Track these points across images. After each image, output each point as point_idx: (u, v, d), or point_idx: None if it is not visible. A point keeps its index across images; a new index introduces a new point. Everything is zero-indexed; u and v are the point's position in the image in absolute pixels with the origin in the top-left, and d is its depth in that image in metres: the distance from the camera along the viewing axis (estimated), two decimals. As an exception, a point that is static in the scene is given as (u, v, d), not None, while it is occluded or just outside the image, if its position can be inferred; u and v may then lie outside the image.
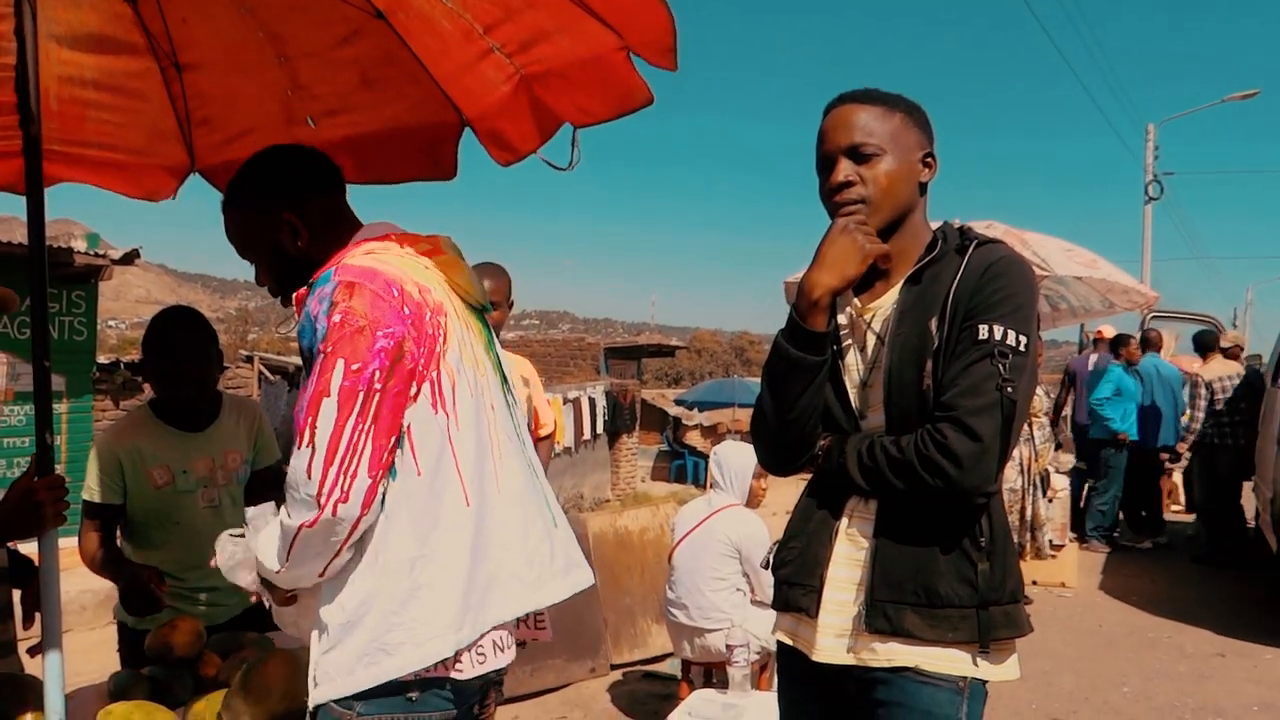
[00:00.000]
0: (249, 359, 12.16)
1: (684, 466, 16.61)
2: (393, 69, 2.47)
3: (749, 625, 4.11)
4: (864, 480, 1.74)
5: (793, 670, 1.91)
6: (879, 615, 1.71)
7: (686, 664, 4.50)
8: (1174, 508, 10.67)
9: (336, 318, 1.60)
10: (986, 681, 1.74)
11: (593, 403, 12.76)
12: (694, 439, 17.03)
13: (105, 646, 2.96)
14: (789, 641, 1.89)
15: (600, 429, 13.12)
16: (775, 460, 1.91)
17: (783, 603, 1.89)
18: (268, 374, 11.93)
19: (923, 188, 1.83)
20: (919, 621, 1.69)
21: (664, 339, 20.07)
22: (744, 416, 19.45)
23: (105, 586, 3.15)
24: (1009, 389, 1.63)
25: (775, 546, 1.95)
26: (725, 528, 4.24)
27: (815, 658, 1.79)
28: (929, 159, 1.83)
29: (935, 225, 1.86)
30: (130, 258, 8.28)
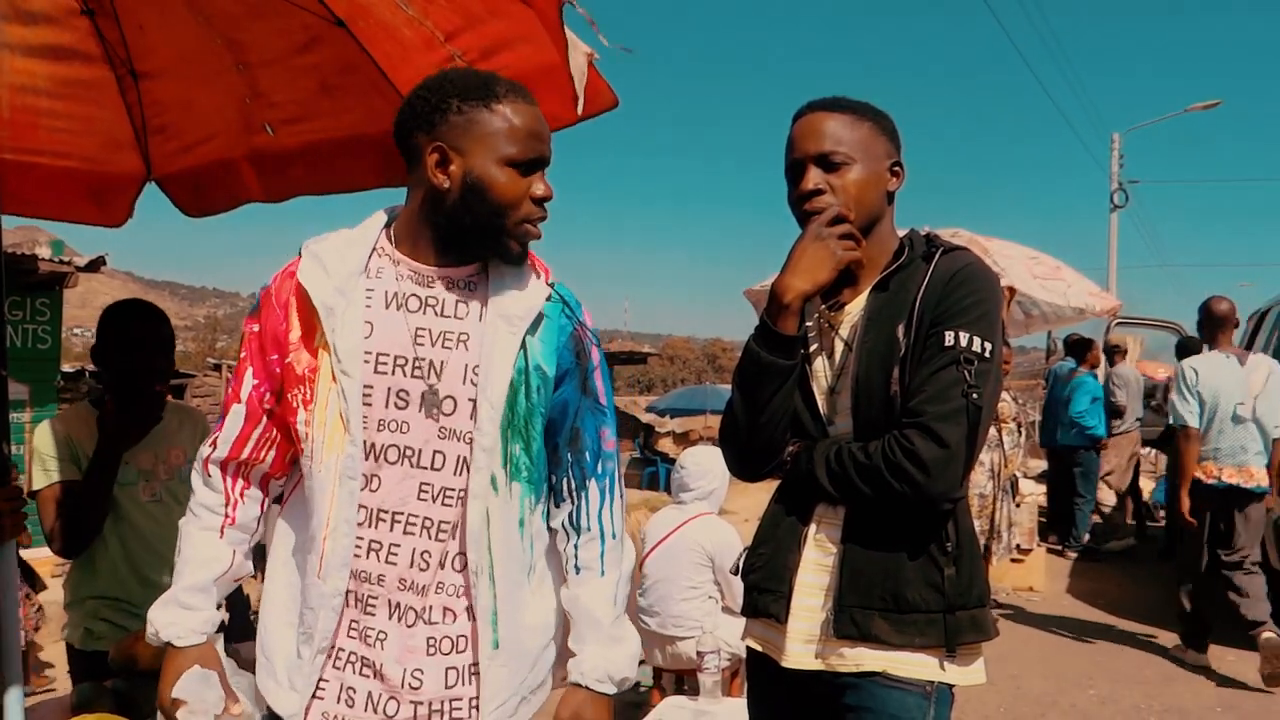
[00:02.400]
0: (216, 367, 12.06)
1: (656, 474, 16.60)
2: (353, 77, 2.46)
3: (720, 632, 4.10)
4: (832, 486, 1.73)
5: (762, 676, 1.91)
6: (847, 620, 1.71)
7: (658, 671, 4.49)
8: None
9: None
10: (953, 686, 1.75)
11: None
12: (666, 446, 17.03)
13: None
14: (758, 648, 1.90)
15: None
16: (744, 465, 1.90)
17: (752, 609, 1.89)
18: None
19: (890, 196, 1.84)
20: (886, 626, 1.70)
21: (636, 346, 20.11)
22: (716, 423, 19.46)
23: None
24: (974, 395, 1.65)
25: (745, 552, 1.95)
26: (699, 535, 4.23)
27: (785, 663, 1.79)
28: (897, 168, 1.83)
29: (902, 233, 1.87)
30: (96, 265, 8.18)
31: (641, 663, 5.09)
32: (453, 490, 1.61)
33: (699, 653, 3.61)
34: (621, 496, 1.78)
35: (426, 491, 1.61)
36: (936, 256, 1.76)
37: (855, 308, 1.82)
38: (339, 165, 2.69)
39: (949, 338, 1.67)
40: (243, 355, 1.68)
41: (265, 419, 1.67)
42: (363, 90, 2.48)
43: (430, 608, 1.62)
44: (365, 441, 1.59)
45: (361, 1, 2.23)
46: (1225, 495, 5.35)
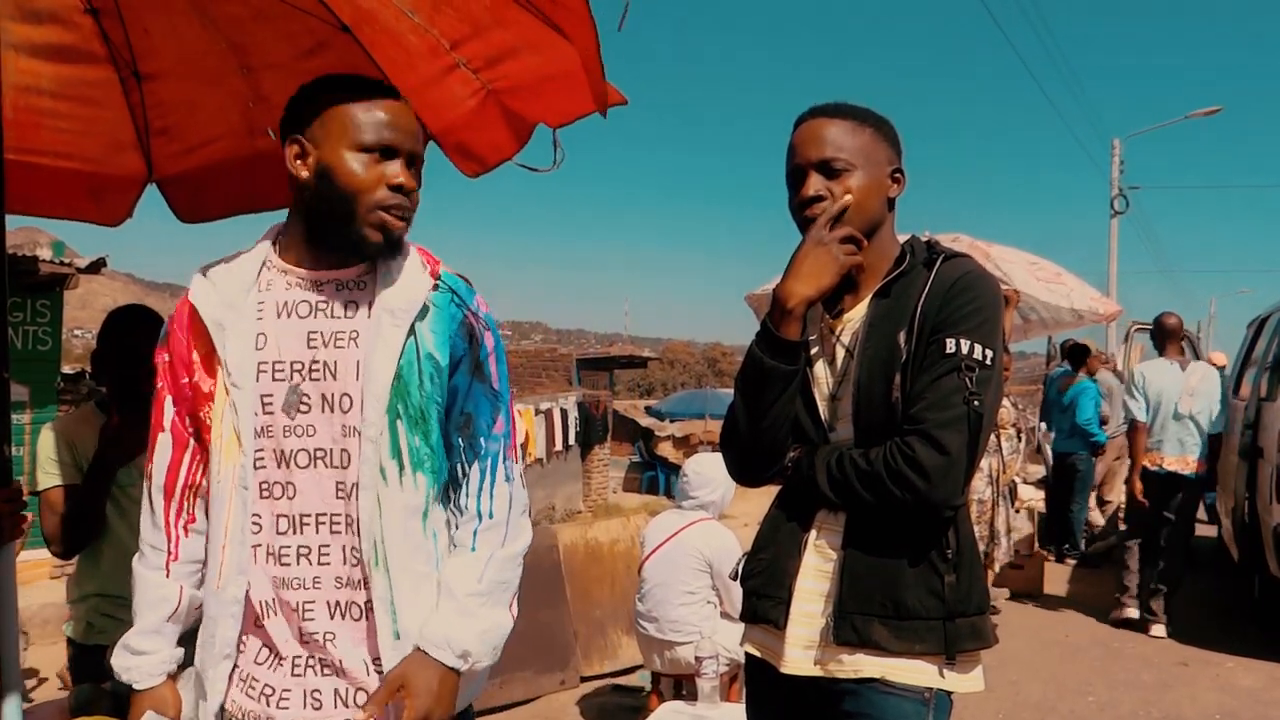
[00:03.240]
0: (217, 369, 12.06)
1: (656, 478, 16.60)
2: (357, 82, 2.46)
3: (718, 638, 4.10)
4: (833, 493, 1.74)
5: (761, 681, 1.91)
6: (847, 627, 1.72)
7: (656, 676, 4.49)
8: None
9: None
10: (952, 693, 1.75)
11: (564, 414, 12.73)
12: (666, 450, 17.03)
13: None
14: (757, 653, 1.90)
15: (572, 440, 13.09)
16: (745, 470, 1.91)
17: (751, 614, 1.90)
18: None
19: (891, 203, 1.84)
20: (886, 633, 1.70)
21: (636, 350, 20.09)
22: (716, 428, 19.47)
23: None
24: (975, 402, 1.65)
25: (744, 558, 1.96)
26: (698, 541, 4.23)
27: (783, 669, 1.79)
28: (898, 174, 1.83)
29: (903, 239, 1.88)
30: (97, 266, 8.18)
31: (639, 668, 5.13)
32: (355, 484, 1.64)
33: (697, 658, 3.61)
34: (508, 480, 1.73)
35: (343, 490, 1.64)
36: (938, 263, 1.77)
37: (856, 314, 1.82)
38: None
39: (950, 345, 1.68)
40: (160, 385, 1.74)
41: (192, 441, 1.71)
42: (367, 95, 2.49)
43: (366, 600, 1.65)
44: (274, 450, 1.64)
45: (367, 7, 2.23)
46: (1166, 480, 6.37)
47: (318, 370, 1.63)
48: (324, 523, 1.64)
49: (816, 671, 1.76)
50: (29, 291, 7.81)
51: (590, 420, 13.78)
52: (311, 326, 1.65)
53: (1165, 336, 6.63)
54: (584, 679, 5.47)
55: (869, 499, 1.70)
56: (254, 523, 1.65)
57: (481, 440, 1.71)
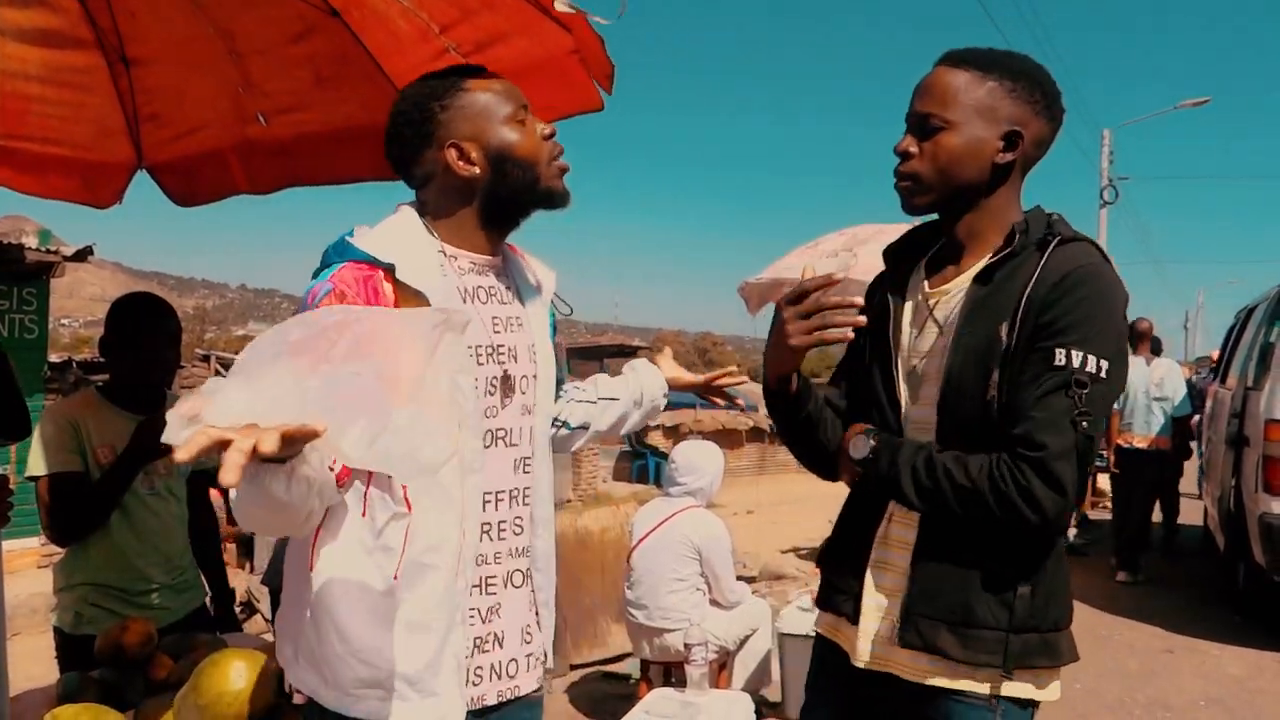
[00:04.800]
0: (205, 358, 12.02)
1: (645, 467, 16.63)
2: (347, 67, 2.45)
3: (707, 625, 4.12)
4: (917, 498, 1.62)
5: (827, 663, 1.85)
6: (912, 630, 1.64)
7: (645, 663, 4.50)
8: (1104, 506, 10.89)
9: None
10: (1026, 701, 1.64)
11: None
12: (656, 439, 17.05)
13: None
14: (829, 636, 1.84)
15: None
16: (812, 470, 1.89)
17: (824, 602, 1.85)
18: (224, 373, 11.77)
19: (1001, 169, 1.65)
20: (952, 640, 1.61)
21: (626, 339, 20.11)
22: (705, 417, 19.52)
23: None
24: (1085, 424, 1.53)
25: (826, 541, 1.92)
26: (686, 529, 4.24)
27: (856, 661, 1.73)
28: (1016, 138, 1.63)
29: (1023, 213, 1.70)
30: (83, 255, 8.14)
31: (629, 655, 5.14)
32: (529, 458, 1.74)
33: (686, 645, 3.62)
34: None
35: (517, 465, 1.73)
36: (1050, 247, 1.59)
37: (956, 288, 1.69)
38: (332, 156, 2.68)
39: (1059, 356, 1.53)
40: None
41: None
42: (357, 81, 2.48)
43: (528, 565, 1.76)
44: (482, 431, 1.66)
45: (356, -9, 2.22)
46: (1134, 455, 7.73)
47: (503, 354, 1.70)
48: (504, 499, 1.70)
49: (886, 668, 1.70)
50: (15, 280, 7.77)
51: (580, 410, 13.75)
52: (494, 312, 1.71)
53: (1138, 338, 7.75)
54: (573, 667, 5.49)
55: (960, 513, 1.58)
56: None
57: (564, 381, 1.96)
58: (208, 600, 3.02)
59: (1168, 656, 5.82)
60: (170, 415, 1.09)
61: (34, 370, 8.06)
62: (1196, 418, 9.10)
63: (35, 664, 4.99)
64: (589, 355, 17.19)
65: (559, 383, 1.89)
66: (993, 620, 1.60)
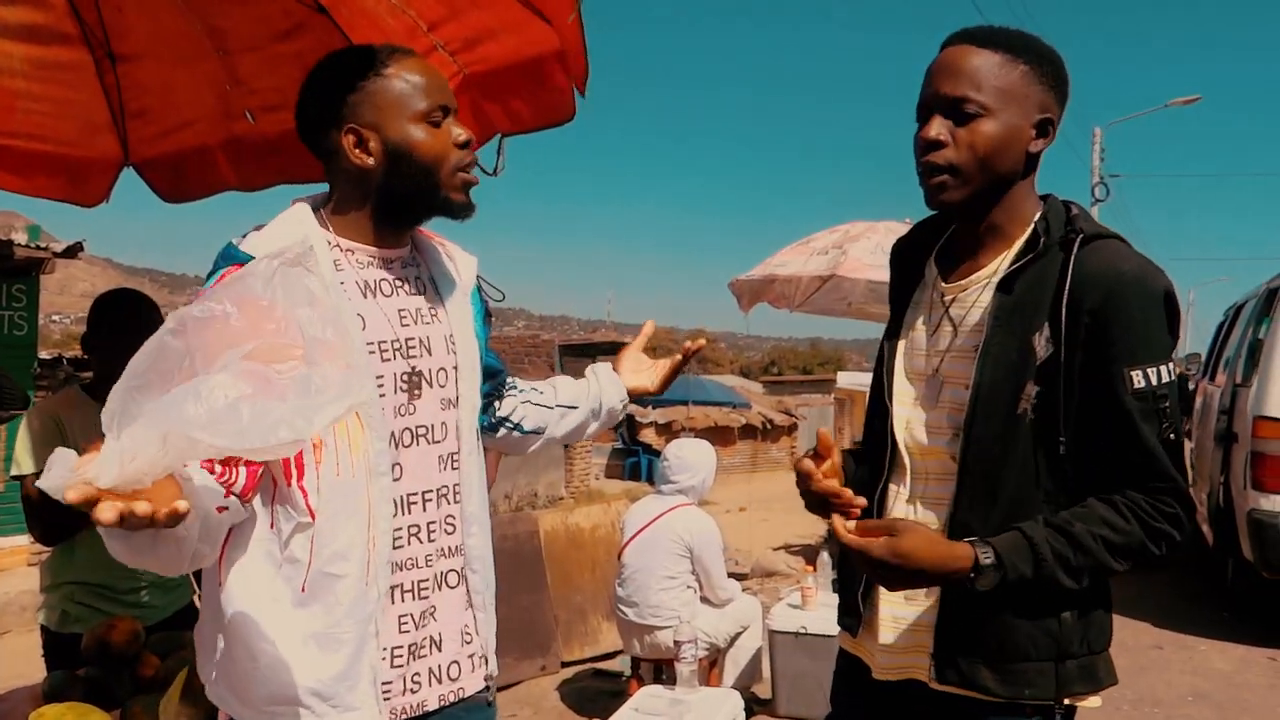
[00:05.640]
0: (196, 355, 11.97)
1: (638, 464, 16.66)
2: (335, 64, 2.44)
3: (698, 622, 4.13)
4: (1076, 580, 1.48)
5: (848, 676, 1.76)
6: (951, 669, 1.54)
7: (636, 661, 4.51)
8: None
9: None
10: (1069, 708, 1.58)
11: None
12: (649, 436, 17.09)
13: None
14: (849, 649, 1.76)
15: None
16: None
17: (840, 614, 1.77)
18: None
19: (1033, 157, 1.55)
20: (993, 677, 1.52)
21: (619, 336, 20.08)
22: (698, 414, 19.55)
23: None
24: (1172, 436, 1.48)
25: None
26: (678, 526, 4.25)
27: (877, 675, 1.65)
28: (1048, 125, 1.54)
29: (1041, 200, 1.62)
30: (73, 251, 8.11)
31: (619, 653, 5.15)
32: (456, 454, 1.67)
33: (676, 642, 3.63)
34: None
35: (442, 463, 1.66)
36: (1075, 247, 1.49)
37: (975, 286, 1.59)
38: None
39: (1136, 379, 1.45)
40: None
41: None
42: (345, 78, 2.47)
43: (462, 565, 1.69)
44: (388, 432, 1.58)
45: (343, -12, 2.22)
46: None
47: (414, 348, 1.62)
48: (431, 499, 1.64)
49: (908, 674, 1.61)
50: (5, 276, 7.74)
51: (572, 406, 13.77)
52: (399, 305, 1.63)
53: None
54: (564, 664, 5.49)
55: (1116, 569, 1.49)
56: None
57: (504, 374, 1.90)
58: (196, 598, 3.01)
59: (1157, 652, 5.84)
60: (57, 463, 1.11)
61: (24, 367, 8.03)
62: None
63: (25, 663, 4.97)
64: (582, 352, 17.15)
65: (495, 375, 1.85)
66: (1034, 650, 1.51)
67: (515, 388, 1.94)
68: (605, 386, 1.99)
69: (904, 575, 1.47)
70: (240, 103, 2.63)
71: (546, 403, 1.95)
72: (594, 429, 2.04)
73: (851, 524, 1.52)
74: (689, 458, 4.41)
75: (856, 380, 14.32)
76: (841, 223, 7.39)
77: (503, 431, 1.91)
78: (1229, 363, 7.25)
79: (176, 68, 2.60)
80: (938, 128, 1.51)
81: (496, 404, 1.91)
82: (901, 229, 6.79)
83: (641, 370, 2.03)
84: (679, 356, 2.02)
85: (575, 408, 1.96)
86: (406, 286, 1.65)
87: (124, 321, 2.62)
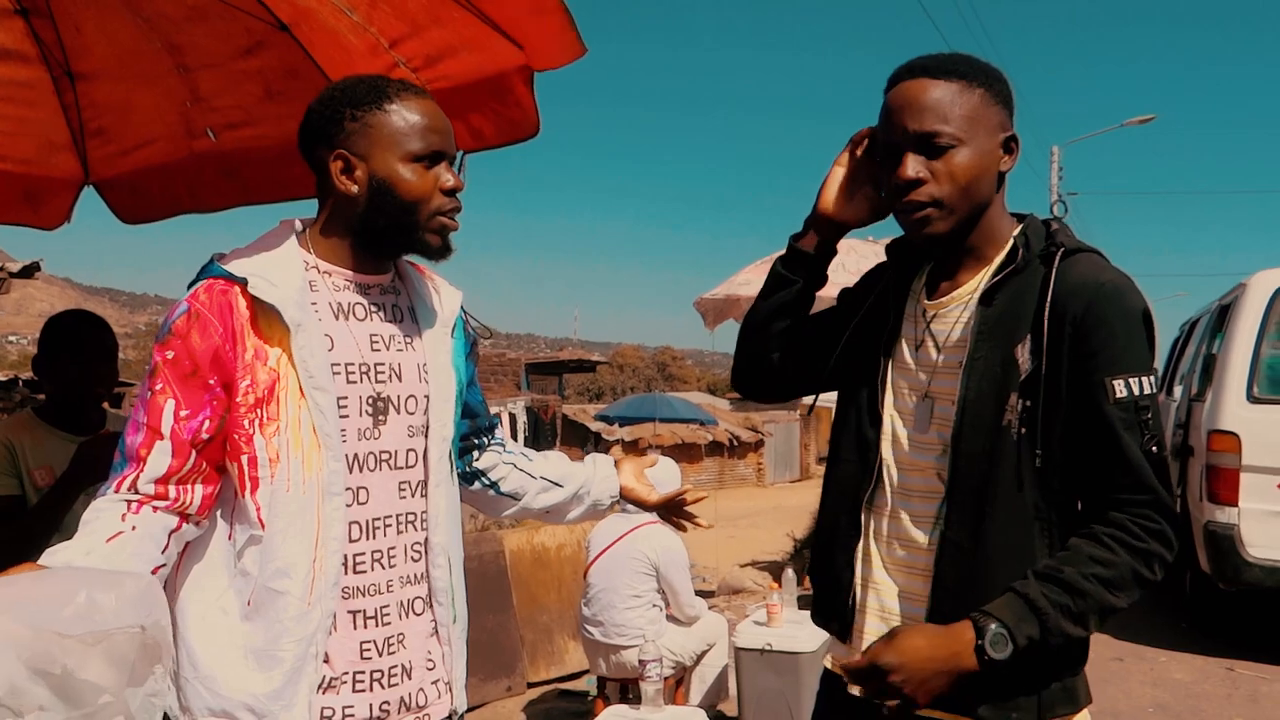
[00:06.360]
0: (156, 376, 11.81)
1: (605, 482, 16.64)
2: (297, 82, 2.44)
3: (664, 640, 4.12)
4: (1082, 626, 1.46)
5: (833, 698, 1.72)
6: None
7: (602, 680, 4.49)
8: None
9: None
10: None
11: (513, 419, 12.71)
12: (615, 454, 17.06)
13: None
14: (831, 669, 1.73)
15: (520, 445, 13.07)
16: (736, 373, 1.85)
17: (818, 617, 1.75)
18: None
19: (1002, 177, 1.58)
20: (978, 699, 1.49)
21: (586, 354, 20.09)
22: (665, 431, 19.57)
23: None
24: (1154, 447, 1.47)
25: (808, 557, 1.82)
26: (643, 544, 4.24)
27: (853, 691, 1.61)
28: (1012, 143, 1.56)
29: (1018, 220, 1.63)
30: (30, 271, 8.00)
31: (586, 673, 5.12)
32: (424, 482, 1.67)
33: (641, 661, 3.62)
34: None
35: (405, 489, 1.65)
36: (1057, 260, 1.51)
37: (956, 304, 1.60)
38: (284, 172, 2.66)
39: (1119, 388, 1.45)
40: (157, 387, 1.51)
41: (194, 454, 1.51)
42: (307, 95, 2.41)
43: (428, 593, 1.68)
44: (347, 455, 1.57)
45: (305, 6, 2.22)
46: None
47: (383, 373, 1.63)
48: (390, 524, 1.63)
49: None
50: (-41, 296, 7.60)
51: (539, 425, 13.77)
52: (372, 330, 1.64)
53: None
54: (530, 685, 5.46)
55: (1117, 605, 1.45)
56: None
57: (489, 420, 1.92)
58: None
59: (1117, 664, 5.91)
60: None
61: (-22, 389, 7.89)
62: None
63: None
64: (548, 370, 17.15)
65: (475, 416, 1.87)
66: (1020, 674, 1.47)
67: (502, 446, 1.94)
68: (599, 478, 1.97)
69: (917, 675, 1.45)
70: (201, 120, 2.62)
71: (531, 471, 1.94)
72: (576, 515, 2.01)
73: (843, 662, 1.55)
74: (653, 475, 4.41)
75: (822, 396, 14.39)
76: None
77: (478, 485, 1.92)
78: (1184, 378, 7.39)
79: (136, 86, 2.59)
80: (914, 166, 1.51)
81: (477, 455, 1.90)
82: (864, 247, 6.90)
83: (644, 481, 2.03)
84: (685, 495, 2.01)
85: (560, 486, 1.94)
86: (382, 313, 1.66)
87: (75, 343, 2.58)
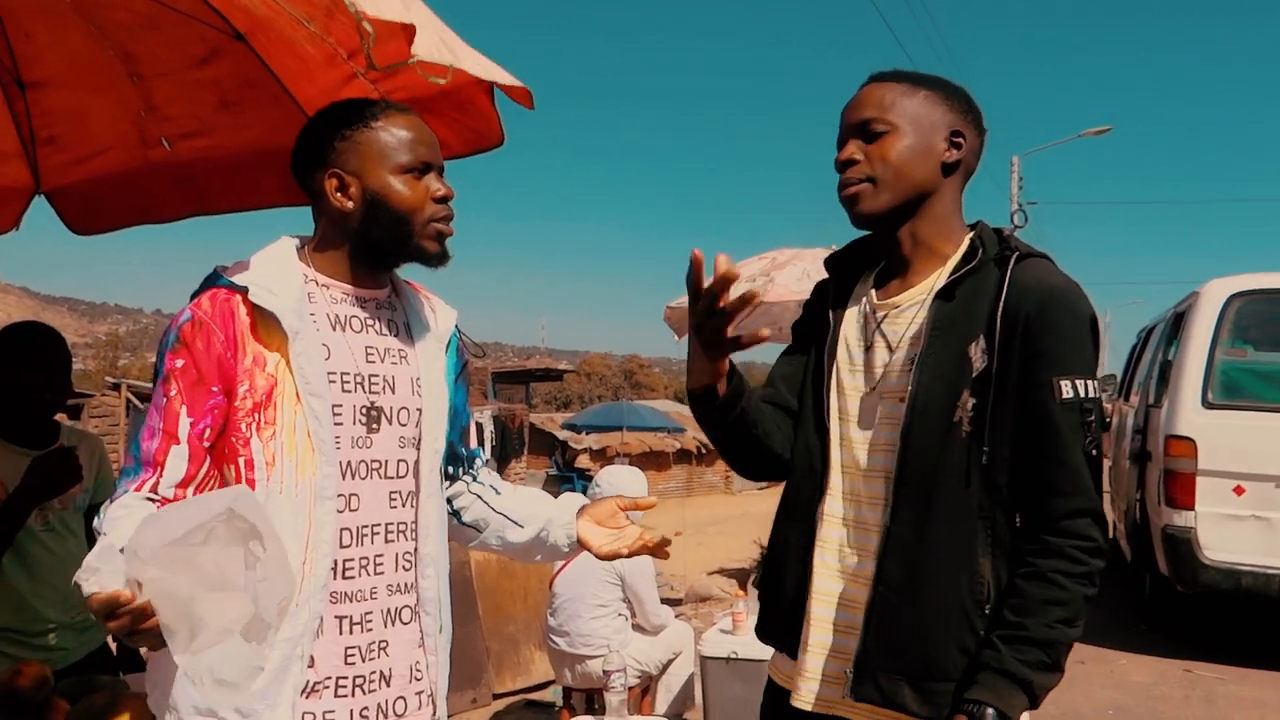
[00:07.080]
0: (115, 386, 11.63)
1: (572, 490, 16.60)
2: (253, 91, 2.41)
3: (629, 650, 4.12)
4: (1059, 670, 1.52)
5: (775, 709, 1.75)
6: (869, 684, 1.54)
7: (568, 691, 4.47)
8: None
9: None
10: None
11: (480, 428, 12.65)
12: (584, 463, 17.04)
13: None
14: (773, 677, 1.76)
15: (488, 454, 13.00)
16: (737, 469, 1.83)
17: (762, 632, 1.78)
18: (137, 402, 11.44)
19: (949, 168, 1.63)
20: (913, 696, 1.52)
21: (553, 363, 20.06)
22: (633, 440, 19.56)
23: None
24: (1094, 451, 1.51)
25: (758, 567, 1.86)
26: (607, 553, 4.24)
27: (794, 702, 1.64)
28: (958, 138, 1.62)
29: (969, 227, 1.68)
30: (-18, 280, 7.84)
31: (552, 683, 5.10)
32: (414, 493, 1.73)
33: (605, 671, 3.61)
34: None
35: (396, 499, 1.70)
36: (1011, 263, 1.55)
37: (908, 301, 1.64)
38: (240, 182, 2.63)
39: (1065, 389, 1.49)
40: (171, 394, 1.55)
41: (208, 459, 1.57)
42: (264, 105, 2.44)
43: (416, 602, 1.72)
44: (340, 461, 1.62)
45: (262, 16, 2.19)
46: None
47: (377, 384, 1.69)
48: (379, 532, 1.68)
49: (833, 711, 1.60)
50: (-91, 306, 7.43)
51: (507, 433, 13.72)
52: (368, 342, 1.70)
53: None
54: (496, 696, 5.43)
55: (1080, 630, 1.51)
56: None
57: (468, 451, 1.94)
58: (110, 638, 2.91)
59: (1079, 667, 5.98)
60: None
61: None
62: None
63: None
64: (516, 379, 17.09)
65: (460, 448, 1.89)
66: (955, 671, 1.51)
67: (476, 478, 1.94)
68: (560, 522, 1.91)
69: None
70: (156, 130, 2.58)
71: (495, 506, 1.92)
72: (538, 557, 1.97)
73: None
74: (620, 483, 4.41)
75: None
76: (769, 249, 7.51)
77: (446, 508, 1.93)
78: (1142, 384, 7.50)
79: (89, 94, 2.54)
80: (851, 149, 1.63)
81: (447, 484, 1.90)
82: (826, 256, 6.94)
83: (606, 528, 1.91)
84: (647, 543, 1.92)
85: (521, 527, 1.91)
86: (378, 326, 1.73)
87: (24, 355, 2.54)
